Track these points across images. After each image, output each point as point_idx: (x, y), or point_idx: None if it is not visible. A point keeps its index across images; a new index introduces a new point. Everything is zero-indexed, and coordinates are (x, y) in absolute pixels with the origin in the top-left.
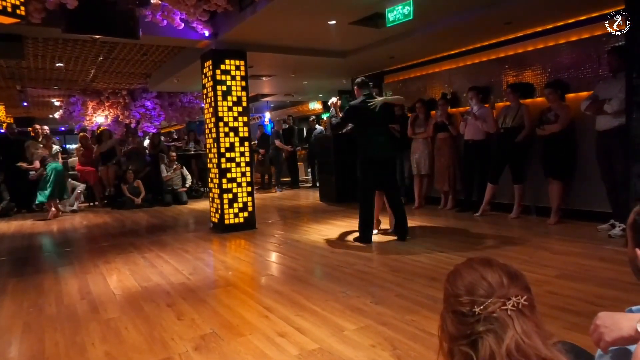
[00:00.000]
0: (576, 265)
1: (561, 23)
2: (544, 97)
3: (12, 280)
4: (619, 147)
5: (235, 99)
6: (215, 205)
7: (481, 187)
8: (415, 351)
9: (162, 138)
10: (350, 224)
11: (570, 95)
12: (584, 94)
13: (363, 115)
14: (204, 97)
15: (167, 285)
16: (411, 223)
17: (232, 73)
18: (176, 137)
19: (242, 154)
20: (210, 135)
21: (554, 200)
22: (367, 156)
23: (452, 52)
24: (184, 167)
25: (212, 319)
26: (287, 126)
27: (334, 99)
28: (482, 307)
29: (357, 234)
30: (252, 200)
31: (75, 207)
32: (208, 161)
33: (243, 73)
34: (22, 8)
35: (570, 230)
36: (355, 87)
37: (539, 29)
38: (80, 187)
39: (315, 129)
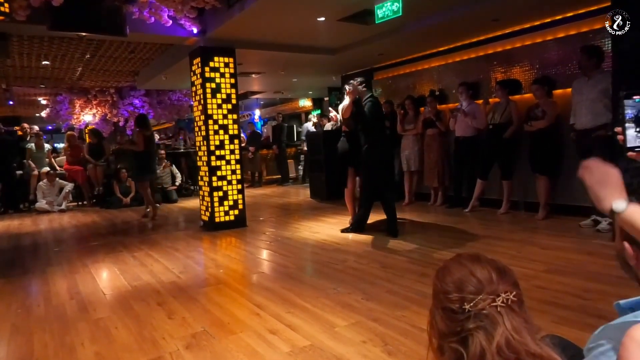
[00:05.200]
0: (564, 260)
1: (548, 20)
2: (531, 93)
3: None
4: (598, 147)
5: (224, 96)
6: (205, 203)
7: (470, 183)
8: (406, 346)
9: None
10: (340, 221)
11: (558, 92)
12: (571, 90)
13: (381, 114)
14: (193, 94)
15: (157, 284)
16: (401, 219)
17: (221, 70)
18: (170, 135)
19: (232, 152)
20: (199, 133)
21: (541, 196)
22: (385, 154)
23: (440, 49)
24: (174, 165)
25: (203, 317)
26: (276, 123)
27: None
28: (472, 304)
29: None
30: (243, 198)
31: (63, 207)
32: (198, 159)
33: (232, 70)
34: (7, 5)
35: (558, 225)
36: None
37: (527, 25)
38: (69, 186)
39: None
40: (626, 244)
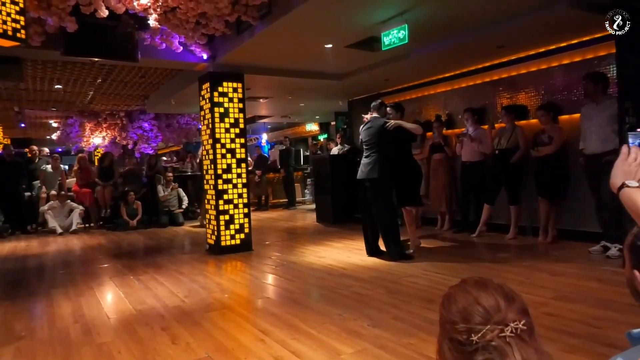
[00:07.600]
0: (573, 287)
1: (553, 47)
2: (537, 119)
3: (4, 303)
4: (607, 172)
5: (232, 120)
6: (211, 226)
7: (477, 207)
8: None
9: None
10: (347, 245)
11: (564, 117)
12: (577, 115)
13: (361, 136)
14: (202, 118)
15: (161, 308)
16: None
17: (230, 95)
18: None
19: (239, 176)
20: (207, 156)
21: (544, 219)
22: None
23: (446, 75)
24: (180, 188)
25: (207, 342)
26: (284, 147)
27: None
28: (479, 336)
29: (350, 254)
30: (249, 222)
31: (75, 227)
32: (205, 182)
33: (240, 95)
34: (23, 31)
35: (567, 251)
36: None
37: (532, 52)
38: (80, 208)
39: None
40: (636, 272)
